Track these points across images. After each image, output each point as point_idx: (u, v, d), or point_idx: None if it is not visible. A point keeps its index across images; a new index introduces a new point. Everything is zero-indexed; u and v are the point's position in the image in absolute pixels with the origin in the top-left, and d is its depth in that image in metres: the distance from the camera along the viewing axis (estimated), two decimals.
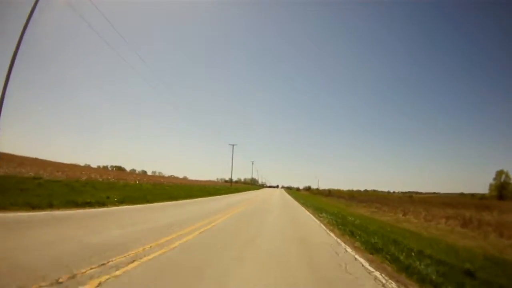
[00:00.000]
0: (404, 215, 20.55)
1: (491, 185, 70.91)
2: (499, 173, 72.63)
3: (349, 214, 19.36)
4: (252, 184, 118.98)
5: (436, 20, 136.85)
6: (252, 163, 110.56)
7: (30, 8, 11.34)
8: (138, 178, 38.52)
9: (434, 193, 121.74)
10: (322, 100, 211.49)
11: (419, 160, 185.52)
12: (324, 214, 15.14)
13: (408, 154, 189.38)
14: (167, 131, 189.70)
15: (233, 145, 72.03)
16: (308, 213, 16.59)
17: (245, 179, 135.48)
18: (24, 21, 11.18)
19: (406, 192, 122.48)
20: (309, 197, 47.98)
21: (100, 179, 23.63)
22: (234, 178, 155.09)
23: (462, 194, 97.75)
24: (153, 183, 35.27)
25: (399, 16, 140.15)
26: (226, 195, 31.32)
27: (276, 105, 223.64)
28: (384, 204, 34.20)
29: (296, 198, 38.23)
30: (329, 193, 53.30)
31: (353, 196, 53.32)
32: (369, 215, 21.40)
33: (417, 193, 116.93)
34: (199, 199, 21.86)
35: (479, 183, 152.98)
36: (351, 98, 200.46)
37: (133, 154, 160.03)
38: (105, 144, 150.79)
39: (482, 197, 72.00)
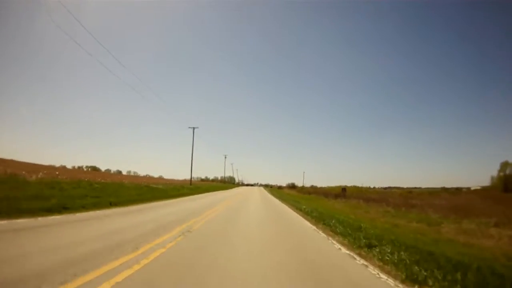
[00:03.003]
0: None
1: (492, 177, 64.83)
2: (504, 164, 64.79)
3: None
4: (224, 183, 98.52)
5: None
6: (225, 157, 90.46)
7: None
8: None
9: (415, 187, 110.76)
10: (299, 95, 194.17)
11: (397, 154, 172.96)
12: None
13: (387, 148, 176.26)
14: (145, 132, 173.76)
15: (193, 128, 51.60)
16: None
17: (221, 178, 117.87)
18: None
19: (386, 188, 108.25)
20: (307, 200, 28.47)
21: None
22: (211, 177, 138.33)
23: (445, 189, 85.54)
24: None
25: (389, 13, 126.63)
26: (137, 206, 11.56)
27: (254, 103, 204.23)
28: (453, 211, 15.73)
29: (295, 206, 18.45)
30: (343, 192, 33.18)
31: (370, 196, 34.62)
32: None
33: (398, 188, 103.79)
34: None
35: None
36: (330, 94, 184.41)
37: (112, 155, 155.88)
38: (84, 147, 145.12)
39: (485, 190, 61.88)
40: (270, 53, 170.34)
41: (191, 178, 51.43)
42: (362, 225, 10.43)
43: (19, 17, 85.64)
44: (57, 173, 28.36)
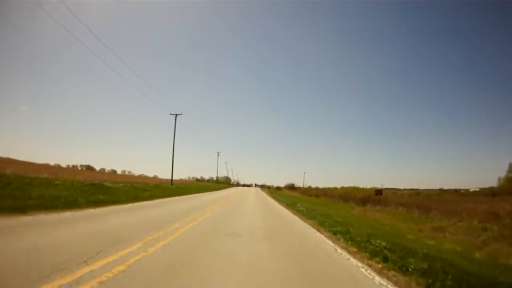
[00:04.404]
0: None
1: (500, 178, 59.40)
2: None
3: None
4: (218, 183, 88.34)
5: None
6: (218, 155, 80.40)
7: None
8: None
9: (412, 189, 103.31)
10: (297, 94, 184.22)
11: (395, 155, 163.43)
12: None
13: (384, 149, 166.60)
14: (143, 132, 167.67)
15: (176, 114, 41.64)
16: None
17: (217, 178, 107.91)
18: None
19: (389, 189, 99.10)
20: (335, 210, 18.65)
21: None
22: (206, 177, 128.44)
23: (442, 190, 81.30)
24: None
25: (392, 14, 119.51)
26: None
27: (251, 102, 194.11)
28: None
29: (342, 232, 8.20)
30: (379, 194, 22.35)
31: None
32: None
33: (397, 189, 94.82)
34: None
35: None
36: (328, 93, 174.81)
37: (111, 156, 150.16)
38: (82, 147, 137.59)
39: (494, 192, 56.04)
40: (269, 51, 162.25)
41: (172, 177, 41.40)
42: None
43: (18, 15, 78.19)
44: None
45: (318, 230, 8.87)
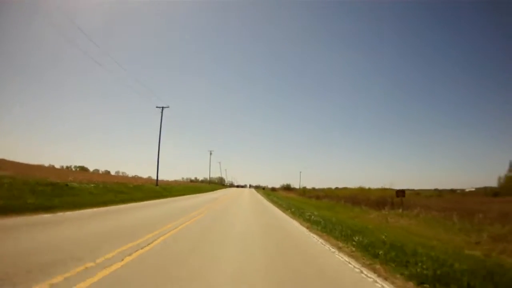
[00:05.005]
0: None
1: (500, 177, 58.00)
2: None
3: None
4: (210, 183, 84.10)
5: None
6: (210, 153, 76.31)
7: None
8: None
9: (408, 189, 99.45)
10: (291, 93, 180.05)
11: (389, 154, 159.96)
12: None
13: (380, 149, 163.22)
14: (142, 134, 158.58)
15: (162, 107, 37.54)
16: None
17: (210, 179, 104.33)
18: None
19: (384, 189, 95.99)
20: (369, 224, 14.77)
21: None
22: (200, 178, 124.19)
23: (438, 190, 78.56)
24: None
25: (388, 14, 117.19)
26: None
27: (245, 101, 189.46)
28: None
29: None
30: (401, 194, 18.67)
31: None
32: None
33: (393, 190, 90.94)
34: None
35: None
36: (323, 92, 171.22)
37: (108, 157, 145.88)
38: (80, 148, 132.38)
39: (495, 192, 55.02)
40: (262, 50, 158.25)
41: (157, 178, 37.16)
42: None
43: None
44: None
45: (377, 273, 4.82)
